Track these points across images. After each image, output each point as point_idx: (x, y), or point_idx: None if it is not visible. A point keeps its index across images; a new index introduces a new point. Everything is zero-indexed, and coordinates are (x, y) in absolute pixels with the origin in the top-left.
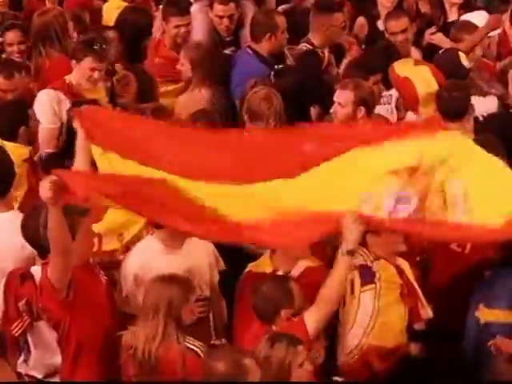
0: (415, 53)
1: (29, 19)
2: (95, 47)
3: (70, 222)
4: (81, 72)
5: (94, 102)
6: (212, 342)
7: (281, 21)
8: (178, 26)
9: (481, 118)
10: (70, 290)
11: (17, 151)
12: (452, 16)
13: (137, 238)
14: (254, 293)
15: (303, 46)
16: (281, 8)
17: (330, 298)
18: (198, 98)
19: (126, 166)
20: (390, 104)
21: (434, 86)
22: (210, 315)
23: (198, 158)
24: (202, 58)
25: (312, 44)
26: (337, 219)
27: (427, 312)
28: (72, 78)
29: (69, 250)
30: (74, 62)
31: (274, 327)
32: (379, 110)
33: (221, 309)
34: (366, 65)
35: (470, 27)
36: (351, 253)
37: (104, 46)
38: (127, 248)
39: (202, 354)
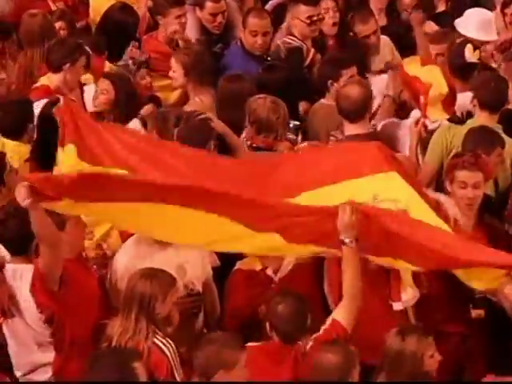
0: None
1: (16, 16)
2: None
3: (59, 214)
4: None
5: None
6: None
7: (251, 22)
8: (178, 17)
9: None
10: (62, 283)
11: (18, 150)
12: (440, 7)
13: (107, 236)
14: (275, 314)
15: (287, 38)
16: (269, 5)
17: (352, 291)
18: (200, 107)
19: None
20: None
21: (445, 88)
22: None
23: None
24: (195, 61)
25: (292, 34)
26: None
27: (412, 292)
28: (52, 82)
29: (56, 243)
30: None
31: (300, 343)
32: None
33: (214, 304)
34: (339, 59)
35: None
36: (351, 241)
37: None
38: (99, 246)
39: (166, 351)
